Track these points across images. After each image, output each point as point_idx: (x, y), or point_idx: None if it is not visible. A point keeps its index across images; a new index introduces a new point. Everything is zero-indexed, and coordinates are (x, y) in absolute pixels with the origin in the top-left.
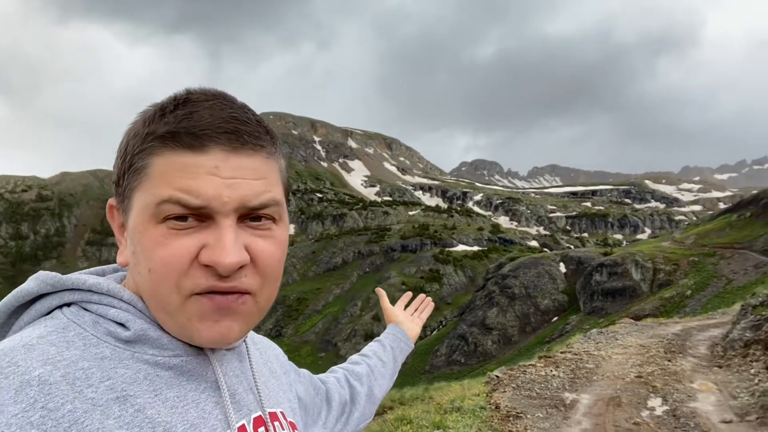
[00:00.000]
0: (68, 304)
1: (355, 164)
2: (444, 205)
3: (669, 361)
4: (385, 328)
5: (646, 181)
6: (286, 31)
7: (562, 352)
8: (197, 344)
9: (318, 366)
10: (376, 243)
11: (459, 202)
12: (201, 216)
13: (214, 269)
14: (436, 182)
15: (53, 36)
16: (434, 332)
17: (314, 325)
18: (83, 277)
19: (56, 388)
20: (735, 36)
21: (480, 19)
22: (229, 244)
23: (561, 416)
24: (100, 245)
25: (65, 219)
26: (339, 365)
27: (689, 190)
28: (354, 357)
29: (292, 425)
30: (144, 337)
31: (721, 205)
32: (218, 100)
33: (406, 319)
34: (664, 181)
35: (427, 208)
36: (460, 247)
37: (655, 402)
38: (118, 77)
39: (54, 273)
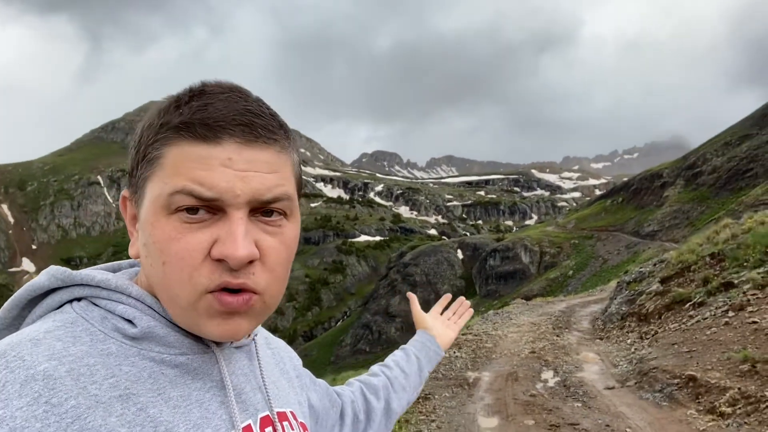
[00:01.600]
0: (78, 299)
1: None
2: (346, 197)
3: (557, 336)
4: (407, 335)
5: (533, 171)
6: (174, 13)
7: (463, 334)
8: (206, 338)
9: None
10: None
11: (360, 193)
12: (212, 208)
13: (226, 264)
14: (337, 174)
15: None
16: (339, 323)
17: None
18: (93, 272)
19: (61, 384)
20: (607, 36)
21: (377, 12)
22: (239, 237)
23: (466, 394)
24: None
25: None
26: (357, 377)
27: (570, 179)
28: (374, 368)
29: (303, 426)
30: (151, 335)
31: (597, 192)
32: (233, 92)
33: (438, 324)
34: (548, 170)
35: (329, 199)
36: (363, 238)
37: (547, 374)
38: None
39: (65, 268)
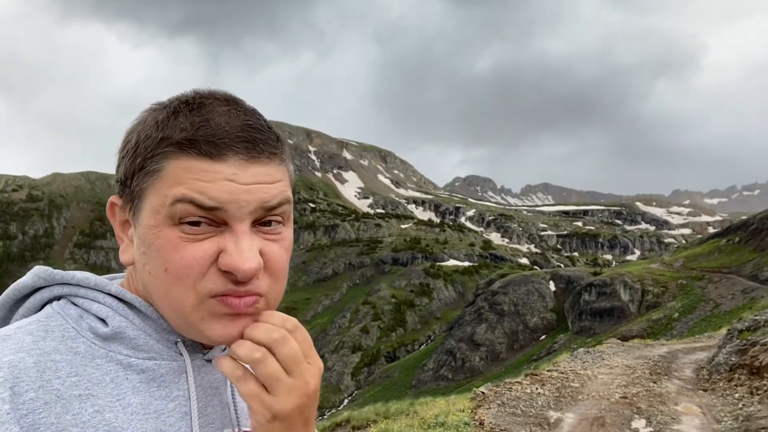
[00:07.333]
0: (59, 298)
1: (349, 175)
2: (436, 220)
3: (654, 382)
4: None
5: (637, 203)
6: (288, 39)
7: (548, 371)
8: (208, 341)
9: None
10: (367, 255)
11: (451, 217)
12: (215, 221)
13: (232, 275)
14: (429, 196)
15: (55, 35)
16: (422, 347)
17: None
18: (74, 272)
19: (25, 374)
20: (730, 61)
21: (480, 35)
22: (246, 250)
23: None
24: (88, 248)
25: (54, 220)
26: None
27: (679, 214)
28: None
29: None
30: (120, 335)
31: (711, 230)
32: (232, 105)
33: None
34: (654, 203)
35: (420, 221)
36: (451, 262)
37: (639, 423)
38: (116, 79)
39: (47, 267)
